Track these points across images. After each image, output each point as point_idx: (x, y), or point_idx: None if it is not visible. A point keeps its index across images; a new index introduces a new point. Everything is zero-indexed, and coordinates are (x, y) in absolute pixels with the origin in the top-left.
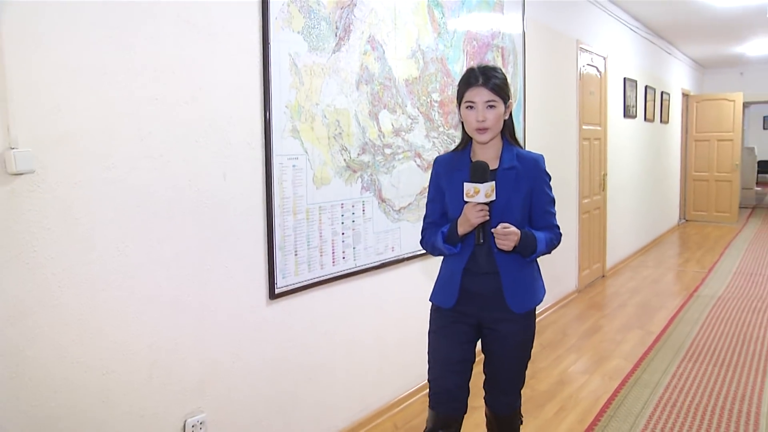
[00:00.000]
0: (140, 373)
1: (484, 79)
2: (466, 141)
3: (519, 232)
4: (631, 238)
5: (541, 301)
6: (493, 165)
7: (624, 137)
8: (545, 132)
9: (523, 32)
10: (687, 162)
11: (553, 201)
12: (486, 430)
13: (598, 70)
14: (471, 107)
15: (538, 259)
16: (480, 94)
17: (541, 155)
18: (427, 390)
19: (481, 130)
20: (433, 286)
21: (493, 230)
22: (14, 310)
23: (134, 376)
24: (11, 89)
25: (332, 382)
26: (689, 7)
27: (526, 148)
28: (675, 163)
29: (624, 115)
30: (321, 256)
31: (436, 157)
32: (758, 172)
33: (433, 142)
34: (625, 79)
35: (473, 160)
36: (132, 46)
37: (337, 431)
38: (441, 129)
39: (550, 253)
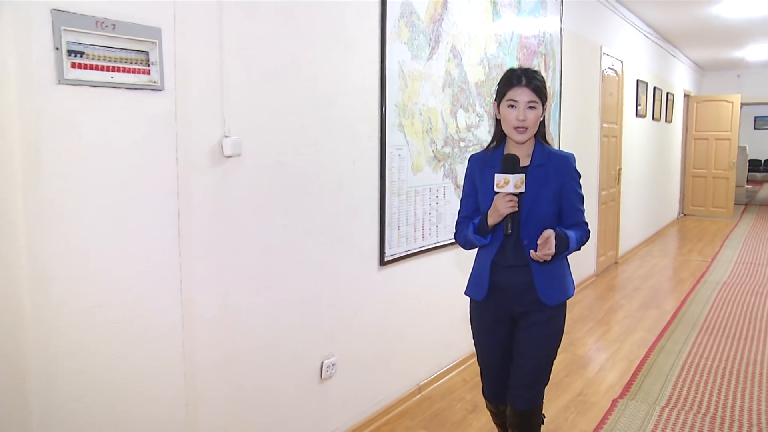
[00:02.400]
0: (295, 321)
1: (527, 80)
2: (500, 139)
3: (555, 242)
4: (639, 229)
5: (572, 295)
6: (525, 162)
7: (635, 135)
8: (574, 129)
9: (560, 39)
10: (687, 159)
11: (583, 199)
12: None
13: (616, 73)
14: (513, 106)
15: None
16: (523, 94)
17: (572, 154)
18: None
19: (520, 129)
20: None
21: (533, 252)
22: (224, 262)
23: (292, 323)
24: (226, 90)
25: (417, 340)
26: (701, 16)
27: (561, 144)
28: (676, 160)
29: (636, 115)
30: (415, 231)
31: (471, 155)
32: (749, 170)
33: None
34: (637, 81)
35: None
36: (298, 57)
37: (421, 382)
38: None
39: (579, 249)
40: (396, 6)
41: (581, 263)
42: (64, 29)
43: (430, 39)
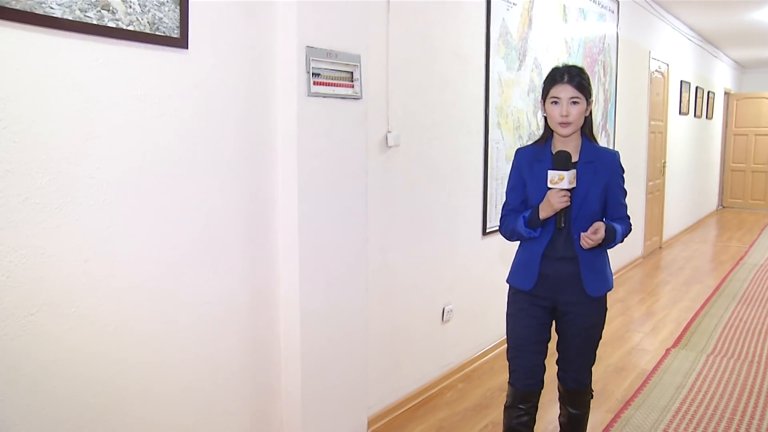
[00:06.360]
0: (427, 272)
1: (569, 77)
2: (548, 135)
3: (605, 234)
4: (681, 218)
5: (612, 287)
6: (574, 158)
7: (678, 131)
8: (627, 126)
9: (616, 47)
10: (726, 154)
11: (626, 194)
12: (559, 403)
13: (662, 75)
14: (556, 102)
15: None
16: (565, 91)
17: (617, 152)
18: None
19: (564, 124)
20: (509, 270)
21: (583, 234)
22: (384, 225)
23: (425, 273)
24: (390, 97)
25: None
26: (743, 21)
27: (616, 139)
28: (716, 154)
29: (679, 113)
30: None
31: (518, 149)
32: None
33: None
34: (681, 81)
35: (554, 152)
36: (432, 71)
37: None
38: None
39: (623, 242)
40: (496, 28)
41: (630, 246)
42: (312, 59)
43: (519, 53)
